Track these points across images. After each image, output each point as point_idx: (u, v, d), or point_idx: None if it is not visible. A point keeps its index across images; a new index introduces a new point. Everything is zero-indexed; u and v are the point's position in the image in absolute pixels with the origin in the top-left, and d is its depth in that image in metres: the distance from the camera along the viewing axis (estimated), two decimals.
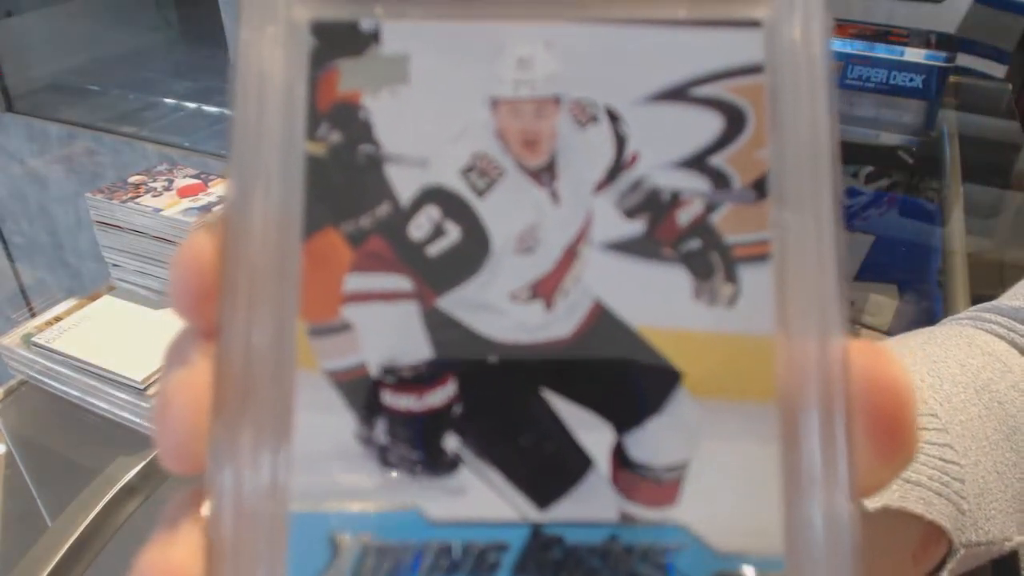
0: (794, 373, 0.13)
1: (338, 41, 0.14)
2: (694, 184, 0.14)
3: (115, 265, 0.74)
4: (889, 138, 1.23)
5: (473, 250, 0.14)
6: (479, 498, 0.13)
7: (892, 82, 1.24)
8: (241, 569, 0.13)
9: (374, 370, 0.14)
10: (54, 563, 0.53)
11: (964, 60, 1.33)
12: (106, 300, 0.70)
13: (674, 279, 0.14)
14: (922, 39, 1.24)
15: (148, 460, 0.59)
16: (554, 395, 0.13)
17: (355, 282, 0.14)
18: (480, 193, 0.14)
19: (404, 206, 0.14)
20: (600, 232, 0.14)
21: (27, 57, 1.57)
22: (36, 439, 0.69)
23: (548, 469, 0.13)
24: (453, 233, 0.14)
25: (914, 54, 1.21)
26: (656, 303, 0.14)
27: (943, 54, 1.21)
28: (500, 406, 0.13)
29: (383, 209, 0.14)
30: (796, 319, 0.13)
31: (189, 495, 0.14)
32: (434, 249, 0.14)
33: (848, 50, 1.25)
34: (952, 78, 1.28)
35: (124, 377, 0.59)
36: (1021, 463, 0.34)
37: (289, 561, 0.13)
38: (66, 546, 0.53)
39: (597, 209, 0.14)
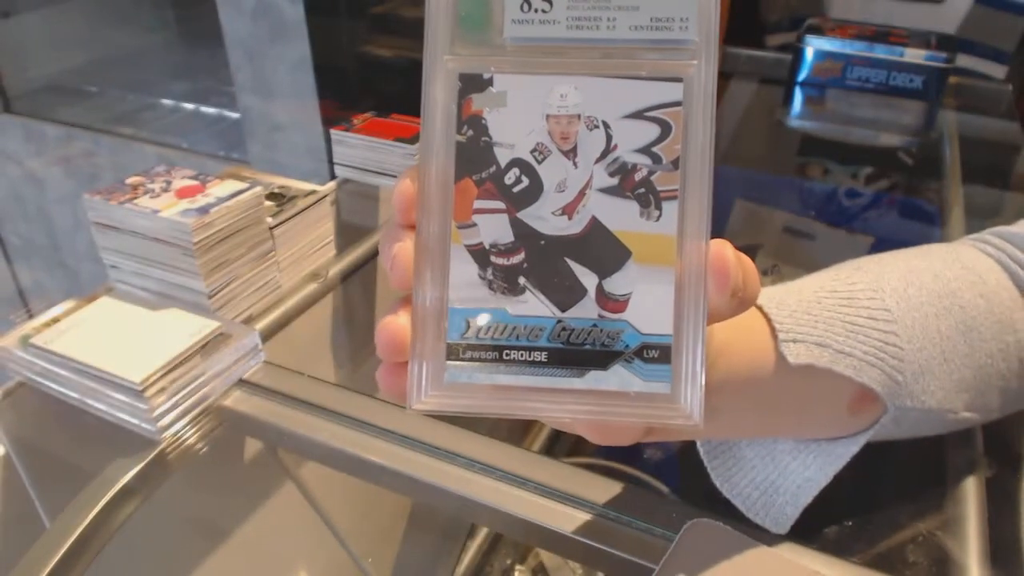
0: (684, 252, 0.26)
1: (472, 83, 0.27)
2: (643, 160, 0.26)
3: (113, 267, 0.73)
4: (889, 139, 1.23)
5: (535, 190, 0.27)
6: (533, 306, 0.26)
7: (892, 82, 1.24)
8: (428, 331, 0.26)
9: (486, 245, 0.27)
10: (52, 565, 0.52)
11: (964, 61, 1.32)
12: (104, 301, 0.69)
13: (631, 207, 0.26)
14: (922, 39, 1.23)
15: (146, 462, 0.59)
16: (570, 260, 0.27)
17: (478, 203, 0.27)
18: (539, 162, 0.27)
19: (502, 167, 0.27)
20: (596, 183, 0.26)
21: (24, 58, 1.56)
22: (34, 441, 0.68)
23: (565, 293, 0.27)
24: (525, 181, 0.27)
25: (914, 54, 1.21)
26: (621, 218, 0.26)
27: (943, 55, 1.20)
28: (545, 264, 0.27)
29: (491, 168, 0.27)
30: (686, 228, 0.26)
31: (403, 300, 0.27)
32: (516, 189, 0.27)
33: (848, 50, 1.25)
34: (952, 79, 1.27)
35: (122, 379, 0.59)
36: (974, 355, 0.43)
37: (449, 329, 0.26)
38: (64, 548, 0.53)
39: (595, 172, 0.26)
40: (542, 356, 0.26)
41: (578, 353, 0.26)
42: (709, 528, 0.45)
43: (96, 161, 1.29)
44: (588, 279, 0.26)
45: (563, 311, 0.26)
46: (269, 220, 0.76)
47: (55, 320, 0.66)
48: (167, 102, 1.43)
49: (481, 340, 0.26)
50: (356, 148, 0.93)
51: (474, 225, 0.27)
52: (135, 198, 0.70)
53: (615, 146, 0.26)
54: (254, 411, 0.63)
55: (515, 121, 0.26)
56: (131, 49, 1.72)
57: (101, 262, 0.74)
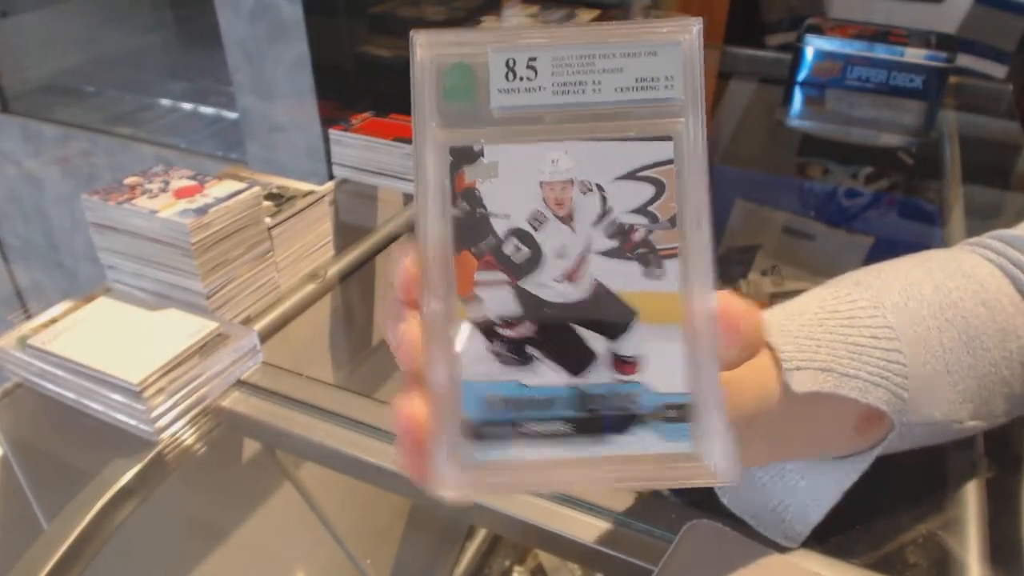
0: (689, 308, 0.26)
1: (463, 156, 0.26)
2: (640, 220, 0.26)
3: (111, 267, 0.73)
4: (889, 139, 1.23)
5: (535, 258, 0.27)
6: (545, 375, 0.26)
7: (892, 82, 1.23)
8: (445, 411, 0.26)
9: (492, 318, 0.26)
10: (50, 566, 0.52)
11: (964, 60, 1.32)
12: (102, 302, 0.69)
13: (632, 267, 0.26)
14: (922, 39, 1.23)
15: (145, 463, 0.59)
16: (578, 325, 0.26)
17: (480, 276, 0.26)
18: (537, 230, 0.26)
19: (500, 238, 0.26)
20: (596, 246, 0.26)
21: (23, 58, 1.56)
22: (32, 442, 0.68)
23: (576, 360, 0.26)
24: (525, 250, 0.27)
25: (914, 54, 1.21)
26: (624, 279, 0.26)
27: (943, 54, 1.20)
28: (553, 332, 0.26)
29: (490, 240, 0.26)
30: (690, 284, 0.26)
31: (413, 380, 0.27)
32: (516, 258, 0.26)
33: (848, 50, 1.24)
34: (952, 79, 1.27)
35: (120, 379, 0.58)
36: (977, 365, 0.43)
37: (465, 407, 0.26)
38: (62, 549, 0.53)
39: (594, 235, 0.26)
40: (561, 426, 0.26)
41: (596, 419, 0.26)
42: (709, 529, 0.45)
43: (94, 161, 1.29)
44: (597, 343, 0.26)
45: (575, 375, 0.26)
46: (267, 220, 0.76)
47: (53, 321, 0.66)
48: (165, 102, 1.43)
49: (498, 415, 0.26)
50: (355, 148, 0.93)
51: (478, 298, 0.26)
52: (133, 198, 0.70)
53: (611, 208, 0.26)
54: (252, 412, 0.63)
55: (509, 191, 0.26)
56: (129, 49, 1.72)
57: (99, 262, 0.73)
